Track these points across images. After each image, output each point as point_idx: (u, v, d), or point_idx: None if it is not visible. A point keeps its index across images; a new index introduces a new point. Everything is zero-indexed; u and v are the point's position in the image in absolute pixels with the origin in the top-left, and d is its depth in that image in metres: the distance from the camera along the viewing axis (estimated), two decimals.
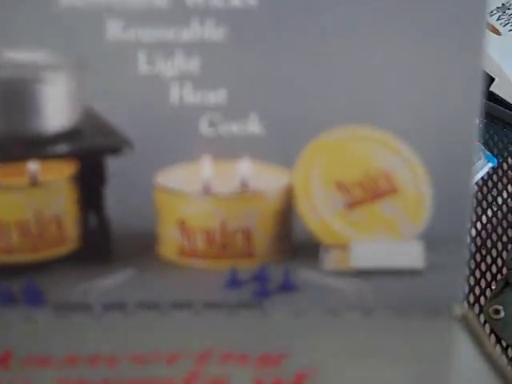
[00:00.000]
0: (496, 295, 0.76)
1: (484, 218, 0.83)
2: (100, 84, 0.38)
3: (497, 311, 0.74)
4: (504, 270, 0.78)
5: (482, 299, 0.76)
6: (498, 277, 0.78)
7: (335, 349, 0.38)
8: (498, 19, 1.54)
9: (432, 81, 0.39)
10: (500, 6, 1.50)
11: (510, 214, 0.84)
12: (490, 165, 0.87)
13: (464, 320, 0.40)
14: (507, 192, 0.86)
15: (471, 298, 0.76)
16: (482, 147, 0.87)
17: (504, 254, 0.80)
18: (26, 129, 0.39)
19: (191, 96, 0.38)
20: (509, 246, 0.80)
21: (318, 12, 0.37)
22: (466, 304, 0.75)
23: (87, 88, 0.38)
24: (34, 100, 0.39)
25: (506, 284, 0.77)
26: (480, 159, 0.86)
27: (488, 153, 0.87)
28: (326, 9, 0.37)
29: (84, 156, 0.41)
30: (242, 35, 0.37)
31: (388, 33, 0.38)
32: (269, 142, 0.39)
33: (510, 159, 0.89)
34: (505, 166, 0.88)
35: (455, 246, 0.41)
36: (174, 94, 0.38)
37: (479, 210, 0.83)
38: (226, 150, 0.40)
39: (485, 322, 0.74)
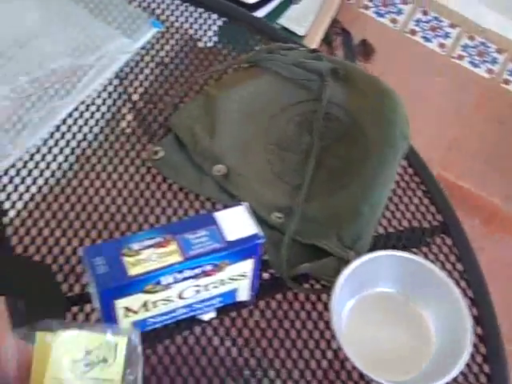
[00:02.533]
0: (159, 139, 0.82)
1: (152, 77, 0.88)
2: None
3: (156, 152, 0.80)
4: None
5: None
6: None
7: None
8: None
9: None
10: None
11: (176, 71, 0.90)
12: (156, 29, 0.92)
13: None
14: (174, 52, 0.91)
15: (138, 147, 0.82)
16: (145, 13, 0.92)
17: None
18: None
19: None
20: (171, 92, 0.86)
21: None
22: None
23: None
24: None
25: (169, 130, 0.82)
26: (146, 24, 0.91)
27: (154, 19, 0.92)
28: None
29: None
30: None
31: None
32: None
33: (176, 24, 0.95)
34: (172, 30, 0.94)
35: None
36: None
37: (147, 71, 0.89)
38: None
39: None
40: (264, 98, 0.86)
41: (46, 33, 0.85)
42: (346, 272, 0.72)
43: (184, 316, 0.69)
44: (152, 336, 0.69)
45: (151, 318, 0.67)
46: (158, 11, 0.95)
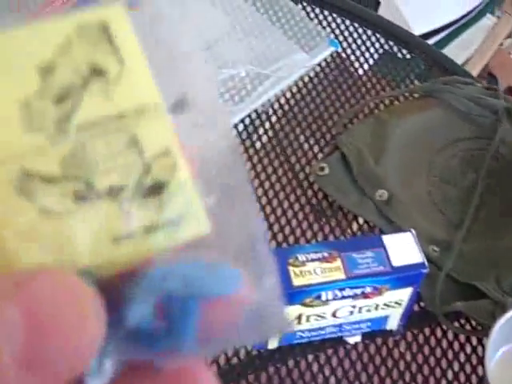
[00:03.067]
0: (325, 157, 0.82)
1: (323, 95, 0.89)
2: None
3: (322, 169, 0.80)
4: None
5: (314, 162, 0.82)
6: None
7: None
8: None
9: None
10: None
11: (348, 91, 0.90)
12: (333, 48, 0.93)
13: None
14: (348, 72, 0.92)
15: (303, 161, 0.82)
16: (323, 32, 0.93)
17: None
18: None
19: None
20: (341, 112, 0.87)
21: None
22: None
23: None
24: None
25: (336, 148, 0.82)
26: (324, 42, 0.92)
27: (332, 38, 0.93)
28: None
29: None
30: None
31: None
32: None
33: (353, 45, 0.95)
34: (348, 51, 0.94)
35: None
36: None
37: (320, 88, 0.89)
38: None
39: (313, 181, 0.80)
40: (433, 130, 0.85)
41: (230, 39, 0.88)
42: (503, 319, 0.69)
43: (331, 335, 0.69)
44: (297, 350, 0.69)
45: (300, 331, 0.67)
46: (336, 31, 0.96)
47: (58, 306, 0.17)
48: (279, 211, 0.78)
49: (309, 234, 0.77)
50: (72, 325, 0.17)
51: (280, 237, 0.76)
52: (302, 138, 0.84)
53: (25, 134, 0.18)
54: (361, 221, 0.79)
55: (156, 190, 0.19)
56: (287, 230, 0.77)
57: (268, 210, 0.78)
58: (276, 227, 0.77)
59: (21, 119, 0.19)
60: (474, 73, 1.75)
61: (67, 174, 0.19)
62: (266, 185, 0.80)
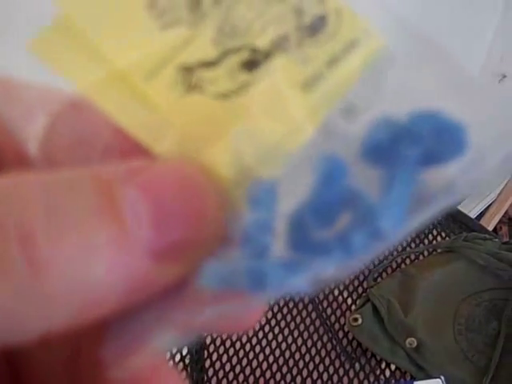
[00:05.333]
0: (358, 308, 0.90)
1: None
2: None
3: (355, 319, 0.88)
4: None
5: (348, 313, 0.91)
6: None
7: None
8: None
9: None
10: None
11: None
12: None
13: None
14: None
15: (338, 313, 0.90)
16: None
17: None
18: None
19: None
20: (371, 267, 0.95)
21: None
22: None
23: None
24: None
25: (368, 300, 0.91)
26: None
27: None
28: None
29: None
30: None
31: None
32: None
33: None
34: None
35: None
36: None
37: None
38: None
39: (348, 331, 0.88)
40: (456, 282, 0.93)
41: None
42: None
43: None
44: None
45: None
46: None
47: (179, 199, 0.16)
48: (317, 359, 0.86)
49: (345, 380, 0.84)
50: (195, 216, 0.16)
51: (319, 383, 0.83)
52: (336, 291, 0.93)
53: (161, 32, 0.17)
54: (393, 367, 0.85)
55: (318, 25, 0.18)
56: (325, 376, 0.84)
57: (307, 357, 0.85)
58: (315, 374, 0.84)
59: (149, 19, 0.17)
60: (494, 222, 1.83)
61: (225, 48, 0.17)
62: (305, 335, 0.88)
